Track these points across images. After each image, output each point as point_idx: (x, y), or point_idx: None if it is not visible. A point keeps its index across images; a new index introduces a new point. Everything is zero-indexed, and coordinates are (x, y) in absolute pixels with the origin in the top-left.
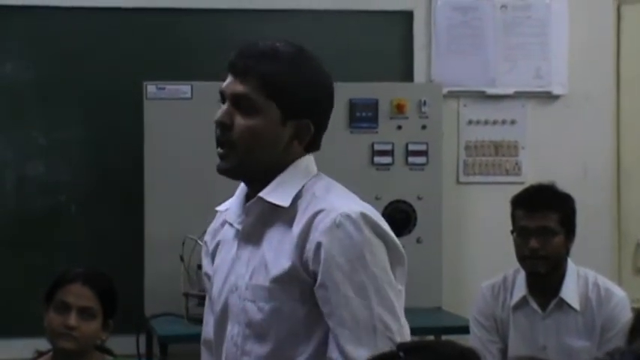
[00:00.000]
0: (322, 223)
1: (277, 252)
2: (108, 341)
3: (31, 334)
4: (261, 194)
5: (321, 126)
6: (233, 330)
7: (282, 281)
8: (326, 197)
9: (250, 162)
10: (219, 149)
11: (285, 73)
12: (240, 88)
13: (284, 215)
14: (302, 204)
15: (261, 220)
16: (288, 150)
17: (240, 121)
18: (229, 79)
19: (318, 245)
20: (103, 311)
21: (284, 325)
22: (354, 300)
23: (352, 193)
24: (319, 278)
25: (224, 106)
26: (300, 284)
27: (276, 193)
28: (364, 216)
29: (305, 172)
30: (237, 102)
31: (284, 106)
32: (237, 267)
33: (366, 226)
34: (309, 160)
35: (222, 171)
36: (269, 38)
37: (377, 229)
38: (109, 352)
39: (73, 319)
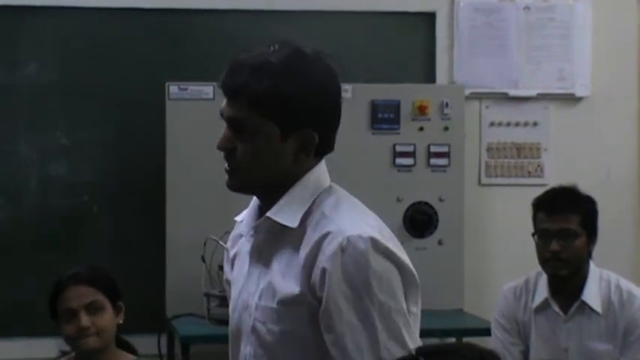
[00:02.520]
0: (329, 247)
1: (285, 274)
2: (129, 340)
3: (55, 334)
4: (268, 214)
5: (329, 129)
6: (246, 349)
7: (290, 304)
8: (334, 217)
9: (255, 181)
10: (226, 166)
11: (275, 88)
12: (232, 111)
13: (293, 235)
14: (311, 223)
15: (271, 238)
16: (296, 163)
17: (239, 145)
18: (224, 100)
19: (324, 271)
20: (108, 298)
21: (295, 347)
22: (358, 328)
23: (364, 208)
24: (323, 304)
25: (224, 131)
26: (310, 308)
27: (284, 213)
28: (372, 239)
29: (314, 187)
30: (234, 125)
31: (280, 121)
32: (249, 284)
33: (373, 250)
34: (320, 172)
35: (230, 187)
36: (267, 42)
37: (386, 252)
38: (133, 351)
39: (84, 320)
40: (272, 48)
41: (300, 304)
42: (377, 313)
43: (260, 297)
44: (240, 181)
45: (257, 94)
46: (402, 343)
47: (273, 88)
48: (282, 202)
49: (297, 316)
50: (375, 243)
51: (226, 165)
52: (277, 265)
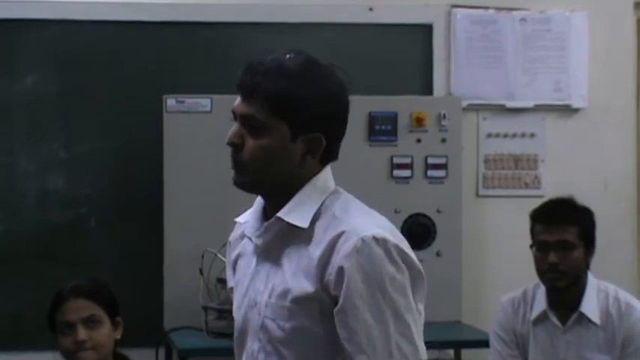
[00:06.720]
0: (344, 247)
1: (297, 272)
2: (127, 354)
3: (52, 348)
4: (279, 214)
5: (335, 137)
6: (253, 346)
7: (303, 301)
8: (346, 218)
9: (263, 179)
10: (232, 167)
11: (290, 90)
12: (246, 109)
13: (303, 235)
14: (321, 224)
15: (279, 238)
16: (303, 165)
17: (249, 141)
18: (239, 97)
19: (340, 270)
20: (107, 313)
21: (305, 343)
22: (372, 326)
23: (371, 210)
24: (340, 303)
25: (234, 127)
26: (320, 304)
27: (295, 214)
28: (384, 240)
29: (322, 190)
30: (246, 122)
31: (292, 123)
32: (257, 282)
33: (386, 251)
34: (326, 176)
35: (236, 184)
36: (282, 49)
37: (397, 251)
38: None
39: (81, 334)
40: (288, 55)
41: (312, 301)
42: (389, 310)
43: (270, 295)
44: (248, 179)
45: (272, 94)
46: (411, 340)
47: (288, 90)
48: (292, 203)
49: (308, 313)
50: (387, 243)
51: (232, 162)
52: (287, 264)
